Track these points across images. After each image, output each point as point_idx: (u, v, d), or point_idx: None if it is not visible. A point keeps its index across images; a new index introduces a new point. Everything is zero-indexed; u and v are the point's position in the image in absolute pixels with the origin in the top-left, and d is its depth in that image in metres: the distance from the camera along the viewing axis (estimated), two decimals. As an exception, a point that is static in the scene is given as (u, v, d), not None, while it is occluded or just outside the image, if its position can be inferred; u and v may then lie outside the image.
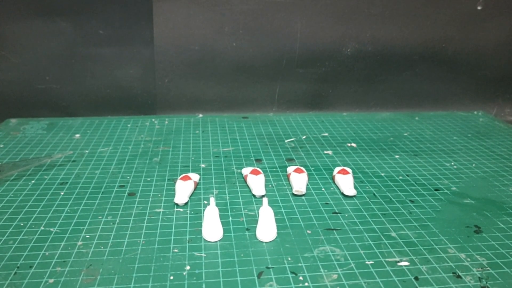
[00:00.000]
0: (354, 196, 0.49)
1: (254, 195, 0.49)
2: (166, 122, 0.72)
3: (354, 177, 0.54)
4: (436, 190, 0.51)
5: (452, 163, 0.58)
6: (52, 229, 0.42)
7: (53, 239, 0.41)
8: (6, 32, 0.71)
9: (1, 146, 0.62)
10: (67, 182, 0.52)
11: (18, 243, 0.40)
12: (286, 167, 0.56)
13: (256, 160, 0.59)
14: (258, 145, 0.64)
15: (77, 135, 0.66)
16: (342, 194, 0.50)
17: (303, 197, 0.49)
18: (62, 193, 0.49)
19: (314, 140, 0.66)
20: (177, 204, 0.47)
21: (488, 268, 0.38)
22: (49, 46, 0.72)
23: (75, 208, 0.46)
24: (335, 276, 0.36)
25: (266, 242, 0.41)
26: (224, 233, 0.42)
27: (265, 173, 0.55)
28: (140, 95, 0.77)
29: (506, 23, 0.78)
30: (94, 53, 0.73)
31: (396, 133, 0.69)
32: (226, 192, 0.50)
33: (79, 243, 0.40)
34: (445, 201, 0.49)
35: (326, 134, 0.68)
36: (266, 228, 0.41)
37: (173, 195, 0.49)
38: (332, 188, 0.51)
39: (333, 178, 0.53)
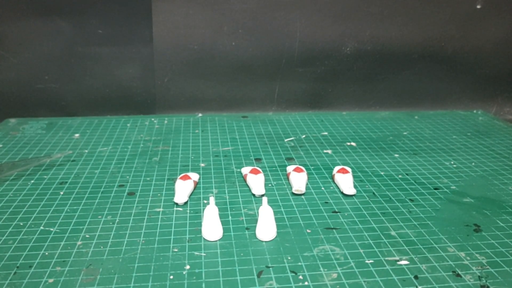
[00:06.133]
0: (354, 195, 0.49)
1: (253, 195, 0.49)
2: (166, 122, 0.72)
3: (354, 176, 0.54)
4: (435, 189, 0.51)
5: (452, 162, 0.58)
6: (51, 229, 0.42)
7: (53, 238, 0.41)
8: (5, 31, 0.70)
9: (1, 145, 0.62)
10: (66, 182, 0.52)
11: (17, 243, 0.40)
12: (285, 166, 0.56)
13: (255, 159, 0.59)
14: (258, 145, 0.64)
15: (77, 135, 0.66)
16: (342, 193, 0.50)
17: (302, 196, 0.49)
18: (61, 193, 0.49)
19: (313, 139, 0.66)
20: (176, 204, 0.47)
21: (488, 266, 0.38)
22: (48, 45, 0.72)
23: (75, 207, 0.46)
24: (335, 275, 0.36)
25: (266, 241, 0.41)
26: (223, 233, 0.42)
27: (264, 172, 0.55)
28: (139, 94, 0.77)
29: (506, 22, 0.78)
30: (93, 52, 0.73)
31: (395, 132, 0.69)
32: (226, 192, 0.50)
33: (79, 242, 0.40)
34: (445, 200, 0.49)
35: (326, 133, 0.68)
36: (266, 227, 0.41)
37: (173, 195, 0.49)
38: (331, 187, 0.51)
39: (332, 177, 0.53)
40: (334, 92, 0.81)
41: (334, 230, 0.43)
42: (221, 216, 0.44)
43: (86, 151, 0.61)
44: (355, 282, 0.35)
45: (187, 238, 0.41)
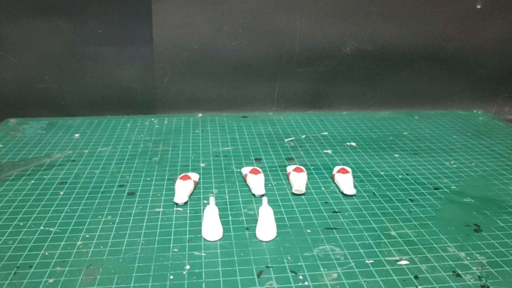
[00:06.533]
0: (354, 195, 0.49)
1: (253, 195, 0.49)
2: (166, 122, 0.72)
3: (354, 176, 0.54)
4: (435, 189, 0.51)
5: (452, 162, 0.58)
6: (51, 229, 0.42)
7: (53, 239, 0.41)
8: (6, 32, 0.70)
9: (1, 146, 0.62)
10: (66, 182, 0.52)
11: (17, 243, 0.40)
12: (285, 166, 0.56)
13: (255, 159, 0.59)
14: (258, 145, 0.64)
15: (77, 135, 0.66)
16: (342, 193, 0.50)
17: (302, 196, 0.49)
18: (61, 193, 0.49)
19: (313, 139, 0.66)
20: (176, 204, 0.47)
21: (488, 266, 0.38)
22: (48, 45, 0.72)
23: (75, 207, 0.46)
24: (335, 275, 0.36)
25: (266, 241, 0.41)
26: (224, 233, 0.42)
27: (264, 172, 0.55)
28: (139, 94, 0.77)
29: (506, 21, 0.78)
30: (93, 52, 0.73)
31: (395, 132, 0.69)
32: (226, 192, 0.50)
33: (79, 242, 0.40)
34: (445, 200, 0.49)
35: (326, 133, 0.68)
36: (266, 227, 0.41)
37: (173, 195, 0.49)
38: (331, 187, 0.51)
39: (332, 177, 0.53)
40: (334, 92, 0.81)
41: (334, 230, 0.43)
42: (221, 216, 0.44)
43: (86, 151, 0.61)
44: (355, 282, 0.35)
45: (187, 238, 0.41)
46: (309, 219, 0.44)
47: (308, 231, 0.42)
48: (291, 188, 0.51)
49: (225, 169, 0.56)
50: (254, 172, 0.52)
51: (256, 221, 0.44)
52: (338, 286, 0.35)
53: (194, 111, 0.79)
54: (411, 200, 0.48)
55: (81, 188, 0.50)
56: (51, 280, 0.35)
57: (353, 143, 0.64)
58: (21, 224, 0.43)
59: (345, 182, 0.50)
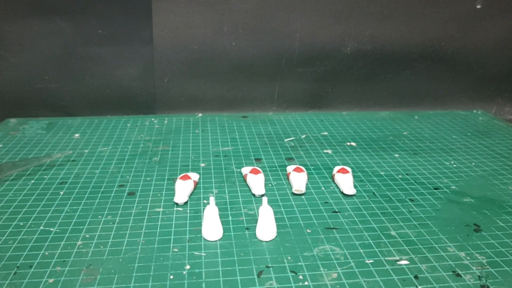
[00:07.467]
0: (354, 195, 0.49)
1: (253, 194, 0.49)
2: (166, 122, 0.72)
3: (354, 176, 0.54)
4: (435, 189, 0.51)
5: (452, 162, 0.58)
6: (51, 229, 0.42)
7: (53, 238, 0.41)
8: (5, 31, 0.70)
9: (1, 146, 0.62)
10: (66, 182, 0.52)
11: (17, 243, 0.40)
12: (285, 166, 0.56)
13: (255, 159, 0.59)
14: (258, 145, 0.64)
15: (77, 135, 0.66)
16: (342, 193, 0.50)
17: (302, 196, 0.49)
18: (61, 193, 0.49)
19: (313, 139, 0.66)
20: (176, 204, 0.47)
21: (488, 266, 0.38)
22: (48, 45, 0.72)
23: (75, 207, 0.46)
24: (335, 275, 0.36)
25: (266, 241, 0.41)
26: (224, 233, 0.42)
27: (264, 172, 0.55)
28: (139, 94, 0.77)
29: (506, 22, 0.78)
30: (93, 52, 0.73)
31: (395, 132, 0.69)
32: (226, 192, 0.50)
33: (79, 242, 0.40)
34: (445, 200, 0.49)
35: (326, 133, 0.68)
36: (266, 227, 0.41)
37: (173, 195, 0.49)
38: (331, 187, 0.51)
39: (332, 177, 0.53)
40: (334, 92, 0.81)
41: (334, 230, 0.43)
42: (221, 216, 0.44)
43: (86, 151, 0.61)
44: (355, 282, 0.35)
45: (187, 238, 0.41)
46: (309, 219, 0.44)
47: (308, 231, 0.42)
48: (291, 188, 0.51)
49: (225, 169, 0.56)
50: (254, 172, 0.52)
51: (256, 221, 0.44)
52: (338, 286, 0.35)
53: (194, 111, 0.79)
54: (411, 200, 0.48)
55: (81, 188, 0.50)
56: (51, 280, 0.35)
57: (353, 143, 0.64)
58: (21, 224, 0.43)
59: (345, 182, 0.50)
